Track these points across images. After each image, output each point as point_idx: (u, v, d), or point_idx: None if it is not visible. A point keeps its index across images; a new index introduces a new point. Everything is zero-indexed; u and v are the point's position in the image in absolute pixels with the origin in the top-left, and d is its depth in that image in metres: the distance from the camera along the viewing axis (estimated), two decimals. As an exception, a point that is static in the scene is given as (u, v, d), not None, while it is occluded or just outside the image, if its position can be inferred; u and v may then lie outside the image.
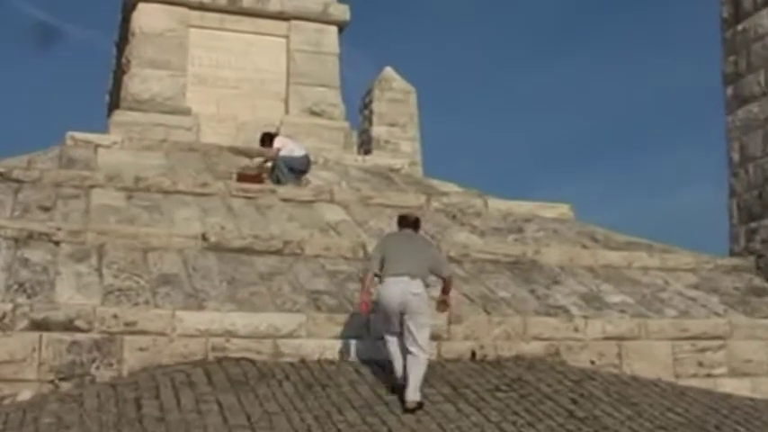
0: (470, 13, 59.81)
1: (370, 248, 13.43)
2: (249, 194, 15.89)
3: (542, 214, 17.34)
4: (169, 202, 15.06)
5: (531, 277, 13.84)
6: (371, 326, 11.14)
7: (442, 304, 10.64)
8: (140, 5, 20.55)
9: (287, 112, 20.82)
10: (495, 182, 52.40)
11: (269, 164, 17.53)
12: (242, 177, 16.88)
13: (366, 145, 23.62)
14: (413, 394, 9.67)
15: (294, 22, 21.37)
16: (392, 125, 23.64)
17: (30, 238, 12.54)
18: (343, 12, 21.87)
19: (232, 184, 16.16)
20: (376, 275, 10.25)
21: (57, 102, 51.37)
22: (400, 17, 58.61)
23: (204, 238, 13.23)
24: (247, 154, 18.79)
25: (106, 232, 12.96)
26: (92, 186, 15.22)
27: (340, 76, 21.53)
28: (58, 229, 12.78)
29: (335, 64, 21.55)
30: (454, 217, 16.47)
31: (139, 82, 19.92)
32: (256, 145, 18.54)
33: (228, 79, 20.73)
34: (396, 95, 23.88)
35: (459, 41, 60.31)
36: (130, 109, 19.67)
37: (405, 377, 9.88)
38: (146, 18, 20.45)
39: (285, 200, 15.98)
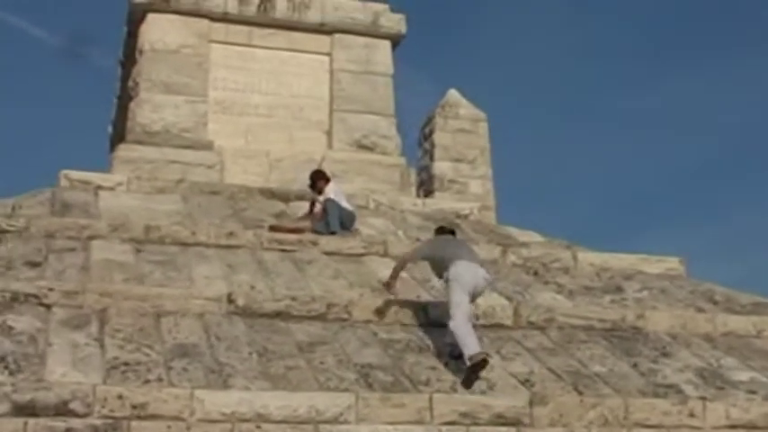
0: (552, 22, 59.66)
1: (431, 312, 13.53)
2: (285, 247, 15.92)
3: (646, 270, 17.19)
4: (187, 256, 15.10)
5: (633, 348, 13.67)
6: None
7: None
8: (150, 16, 20.84)
9: (330, 145, 20.99)
10: (586, 230, 51.94)
11: (316, 209, 17.55)
12: (277, 228, 16.91)
13: (427, 185, 23.51)
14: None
15: (338, 36, 21.63)
16: (458, 161, 23.50)
17: (14, 300, 12.58)
18: (397, 22, 22.06)
19: (264, 235, 16.19)
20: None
21: (48, 134, 51.83)
22: (465, 29, 58.51)
23: (230, 300, 13.22)
24: (283, 197, 18.91)
25: (109, 293, 12.98)
26: (91, 237, 15.29)
27: (394, 102, 21.68)
28: (50, 289, 12.81)
29: (389, 86, 21.72)
30: (536, 273, 16.42)
31: (150, 110, 20.10)
32: (294, 186, 18.64)
33: (259, 106, 20.94)
34: (463, 124, 23.75)
35: (539, 57, 60.04)
36: (139, 142, 19.83)
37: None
38: (157, 31, 20.73)
39: (329, 253, 16.01)
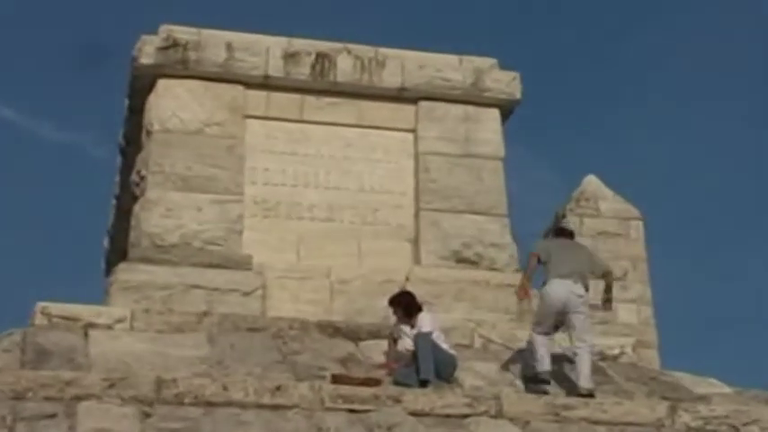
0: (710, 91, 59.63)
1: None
2: (355, 406, 15.53)
3: None
4: (215, 421, 14.80)
5: None
6: None
7: (607, 303, 18.06)
8: (162, 83, 20.81)
9: (417, 259, 20.77)
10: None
11: (400, 349, 17.63)
12: (343, 378, 16.61)
13: (558, 314, 23.16)
14: (586, 382, 16.80)
15: (425, 105, 21.55)
16: (602, 277, 23.29)
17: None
18: (508, 84, 21.85)
19: (325, 388, 15.80)
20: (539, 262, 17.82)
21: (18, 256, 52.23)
22: (596, 96, 58.55)
23: (279, 488, 12.73)
24: (350, 334, 18.74)
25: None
26: (79, 398, 14.93)
27: (507, 196, 21.38)
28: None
29: (498, 174, 21.49)
30: (721, 439, 16.33)
31: (162, 214, 19.93)
32: (366, 318, 18.80)
33: (315, 206, 20.80)
34: (606, 225, 23.35)
35: (700, 133, 59.89)
36: (147, 260, 19.65)
37: (551, 371, 17.33)
38: (171, 104, 20.71)
39: (418, 414, 15.57)
